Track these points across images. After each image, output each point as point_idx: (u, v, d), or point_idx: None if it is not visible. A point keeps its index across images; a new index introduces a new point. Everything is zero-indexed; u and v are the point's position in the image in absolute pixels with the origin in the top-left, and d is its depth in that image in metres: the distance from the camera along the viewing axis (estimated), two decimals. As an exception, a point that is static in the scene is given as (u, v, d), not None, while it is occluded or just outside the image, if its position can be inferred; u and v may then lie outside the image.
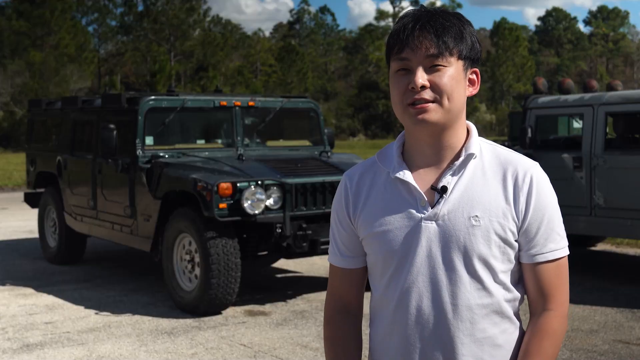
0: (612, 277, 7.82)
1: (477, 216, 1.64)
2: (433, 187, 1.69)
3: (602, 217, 7.33)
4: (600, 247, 9.67)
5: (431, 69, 1.63)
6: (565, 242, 1.71)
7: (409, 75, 1.64)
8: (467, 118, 1.74)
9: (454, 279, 1.65)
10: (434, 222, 1.67)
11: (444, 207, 1.66)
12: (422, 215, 1.67)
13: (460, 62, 1.66)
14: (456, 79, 1.65)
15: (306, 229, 6.50)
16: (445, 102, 1.64)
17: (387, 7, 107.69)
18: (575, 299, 6.65)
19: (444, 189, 1.67)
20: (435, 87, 1.63)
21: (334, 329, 1.84)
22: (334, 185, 6.70)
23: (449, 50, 1.63)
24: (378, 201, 1.73)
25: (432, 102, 1.63)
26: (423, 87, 1.62)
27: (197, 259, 6.45)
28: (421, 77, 1.62)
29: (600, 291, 7.18)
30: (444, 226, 1.66)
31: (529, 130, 7.86)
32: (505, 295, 1.69)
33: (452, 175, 1.68)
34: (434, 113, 1.64)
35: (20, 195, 14.89)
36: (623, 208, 7.14)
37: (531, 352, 1.66)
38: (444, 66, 1.63)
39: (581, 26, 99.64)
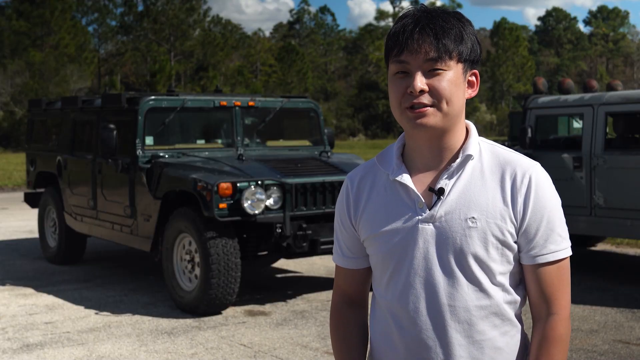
0: (612, 277, 7.82)
1: (474, 218, 1.64)
2: (431, 189, 1.69)
3: (602, 217, 7.33)
4: (600, 247, 9.67)
5: (430, 72, 1.62)
6: (567, 244, 1.69)
7: (407, 79, 1.63)
8: (467, 118, 1.73)
9: (451, 280, 1.65)
10: (431, 223, 1.66)
11: (441, 208, 1.66)
12: (420, 217, 1.67)
13: (460, 65, 1.64)
14: (455, 82, 1.63)
15: (306, 229, 6.50)
16: (444, 106, 1.62)
17: (387, 7, 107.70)
18: (575, 299, 6.65)
19: (441, 191, 1.67)
20: (434, 92, 1.62)
21: (339, 319, 1.87)
22: (334, 185, 6.70)
23: (448, 54, 1.62)
24: (378, 203, 1.74)
25: (431, 106, 1.62)
26: (422, 92, 1.61)
27: (197, 259, 6.45)
28: (420, 82, 1.61)
29: (600, 291, 7.18)
30: (441, 228, 1.66)
31: (529, 130, 7.86)
32: (505, 297, 1.68)
33: (450, 176, 1.68)
34: (432, 117, 1.63)
35: (20, 195, 14.90)
36: (623, 208, 7.14)
37: None
38: (443, 70, 1.62)
39: (581, 26, 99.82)
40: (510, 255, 1.67)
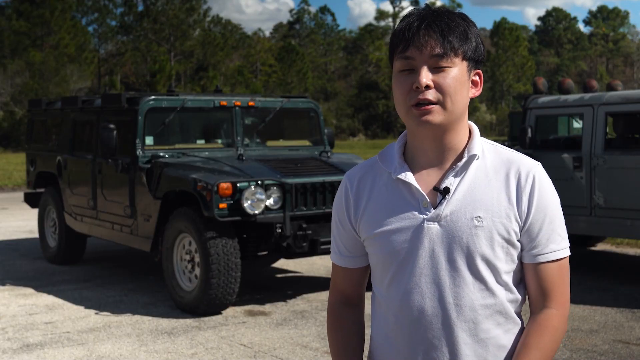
0: (612, 277, 7.82)
1: (479, 217, 1.64)
2: (436, 188, 1.69)
3: (602, 217, 7.33)
4: (600, 247, 9.67)
5: (435, 69, 1.62)
6: (566, 243, 1.71)
7: (412, 76, 1.63)
8: (468, 118, 1.74)
9: (457, 279, 1.66)
10: (436, 223, 1.67)
11: (447, 208, 1.66)
12: (425, 217, 1.67)
13: (465, 63, 1.65)
14: (460, 80, 1.64)
15: (306, 229, 6.50)
16: (449, 103, 1.63)
17: (387, 7, 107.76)
18: (575, 299, 6.65)
19: (447, 190, 1.67)
20: (439, 88, 1.62)
21: (336, 319, 1.87)
22: (334, 185, 6.69)
23: (454, 51, 1.62)
24: (380, 203, 1.73)
25: (436, 103, 1.62)
26: (427, 87, 1.62)
27: (197, 259, 6.45)
28: (425, 77, 1.61)
29: (600, 291, 7.18)
30: (447, 227, 1.66)
31: (529, 130, 7.86)
32: (508, 296, 1.69)
33: (455, 176, 1.68)
34: (437, 115, 1.63)
35: (20, 195, 14.90)
36: (623, 208, 7.14)
37: (530, 345, 1.65)
38: (448, 67, 1.62)
39: (581, 26, 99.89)
40: (515, 254, 1.68)
